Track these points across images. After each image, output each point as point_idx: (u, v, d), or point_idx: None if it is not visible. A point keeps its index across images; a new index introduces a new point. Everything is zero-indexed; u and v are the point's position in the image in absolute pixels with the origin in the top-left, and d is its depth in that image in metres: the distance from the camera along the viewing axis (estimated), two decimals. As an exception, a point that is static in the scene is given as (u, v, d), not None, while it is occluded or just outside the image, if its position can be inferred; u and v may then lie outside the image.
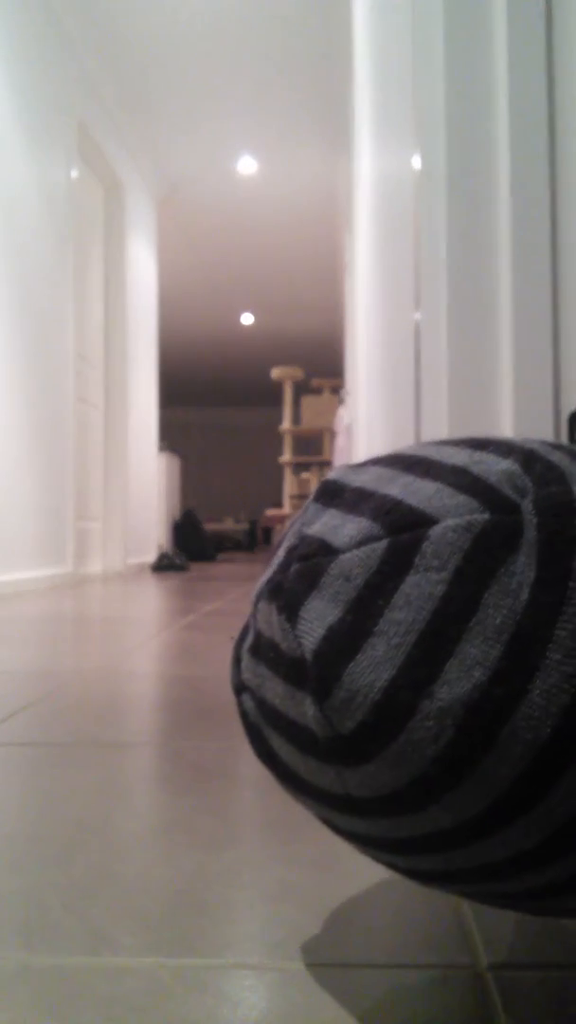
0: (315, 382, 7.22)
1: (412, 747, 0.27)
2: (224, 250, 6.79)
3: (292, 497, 6.92)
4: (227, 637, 1.63)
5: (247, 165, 5.31)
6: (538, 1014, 0.33)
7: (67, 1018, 0.33)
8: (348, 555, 0.29)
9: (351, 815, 0.30)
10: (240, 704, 0.35)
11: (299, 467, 12.03)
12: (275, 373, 7.00)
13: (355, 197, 3.69)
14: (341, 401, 5.92)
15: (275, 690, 0.31)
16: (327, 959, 0.37)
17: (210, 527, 10.69)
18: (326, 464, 6.84)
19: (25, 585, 3.24)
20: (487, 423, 1.03)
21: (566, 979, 0.35)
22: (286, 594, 0.30)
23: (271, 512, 6.88)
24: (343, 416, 4.68)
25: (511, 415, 0.99)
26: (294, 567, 0.30)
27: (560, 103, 0.81)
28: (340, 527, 0.30)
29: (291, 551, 0.31)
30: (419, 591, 0.27)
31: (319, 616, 0.29)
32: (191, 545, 7.47)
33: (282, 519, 6.78)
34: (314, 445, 12.66)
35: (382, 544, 0.29)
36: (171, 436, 13.83)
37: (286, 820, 0.57)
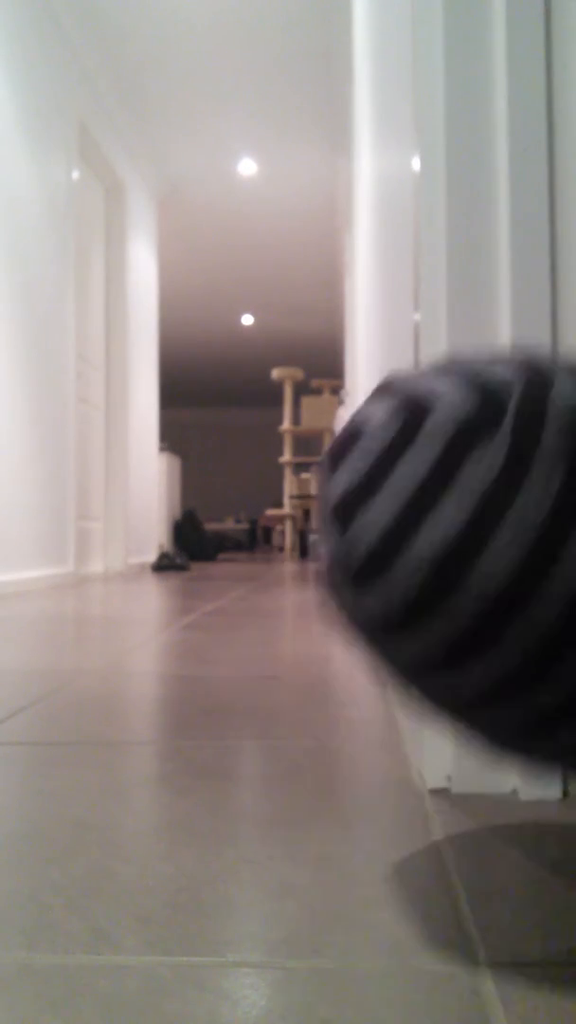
0: (315, 383, 7.22)
1: (401, 575, 0.37)
2: (224, 251, 6.79)
3: (292, 497, 6.92)
4: (227, 637, 1.63)
5: (247, 166, 5.31)
6: (537, 1012, 0.33)
7: (68, 1016, 0.33)
8: (371, 429, 0.39)
9: (369, 634, 0.40)
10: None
11: (299, 467, 12.02)
12: (276, 374, 7.01)
13: (355, 198, 3.69)
14: (341, 401, 5.92)
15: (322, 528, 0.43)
16: (326, 958, 0.37)
17: (210, 527, 10.69)
18: (326, 464, 6.82)
19: (27, 585, 3.24)
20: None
21: (564, 977, 0.35)
22: (329, 459, 0.42)
23: (271, 512, 6.87)
24: (343, 416, 4.68)
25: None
26: (337, 439, 0.42)
27: (560, 103, 0.81)
28: (374, 411, 0.40)
29: (343, 430, 0.43)
30: (419, 457, 0.37)
31: (347, 474, 0.40)
32: (191, 545, 7.46)
33: (282, 519, 6.78)
34: (314, 445, 12.66)
35: (397, 423, 0.38)
36: (171, 436, 13.83)
37: (286, 819, 0.57)
